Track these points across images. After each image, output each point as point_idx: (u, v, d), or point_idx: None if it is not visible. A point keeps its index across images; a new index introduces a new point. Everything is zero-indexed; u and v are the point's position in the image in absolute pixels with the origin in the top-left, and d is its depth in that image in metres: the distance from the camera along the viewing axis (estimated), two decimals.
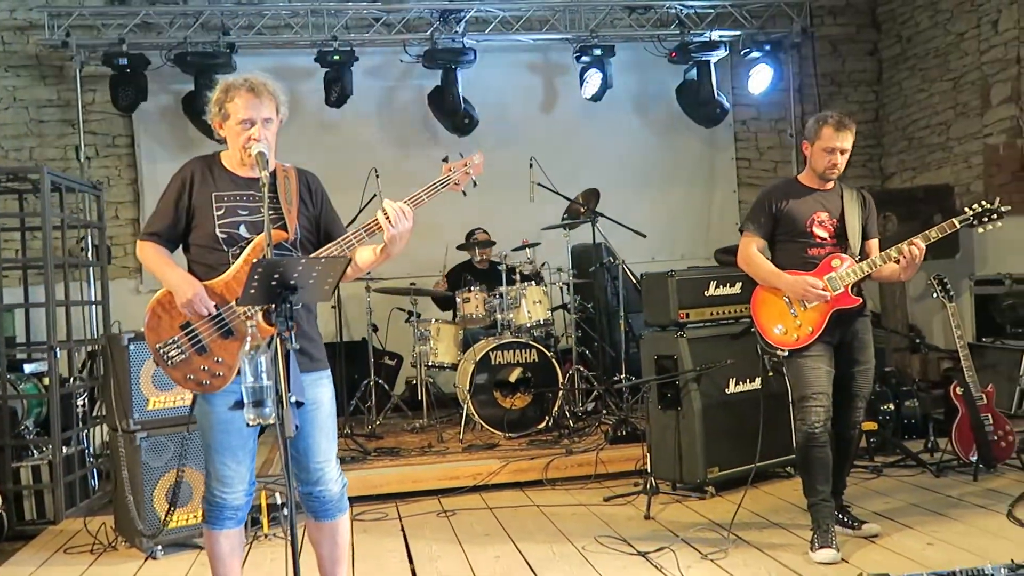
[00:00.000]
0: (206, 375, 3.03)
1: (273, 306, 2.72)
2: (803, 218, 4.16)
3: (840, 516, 4.24)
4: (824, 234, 4.14)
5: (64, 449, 5.36)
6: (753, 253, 4.24)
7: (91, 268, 7.38)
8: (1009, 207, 4.03)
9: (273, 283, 2.69)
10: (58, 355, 5.48)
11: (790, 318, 4.11)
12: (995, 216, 4.03)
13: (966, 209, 4.09)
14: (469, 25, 8.25)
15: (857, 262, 4.10)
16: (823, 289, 4.03)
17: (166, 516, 4.42)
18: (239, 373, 2.97)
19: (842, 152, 4.13)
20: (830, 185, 4.22)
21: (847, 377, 4.18)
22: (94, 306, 6.96)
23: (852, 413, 4.22)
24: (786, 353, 4.10)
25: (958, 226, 4.03)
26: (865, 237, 4.23)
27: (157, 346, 3.05)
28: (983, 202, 4.05)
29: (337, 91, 7.87)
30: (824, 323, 4.05)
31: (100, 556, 4.58)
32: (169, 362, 3.03)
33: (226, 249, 3.09)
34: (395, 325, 7.56)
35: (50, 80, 8.08)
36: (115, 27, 7.85)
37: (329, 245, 3.12)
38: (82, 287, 7.27)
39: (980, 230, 4.07)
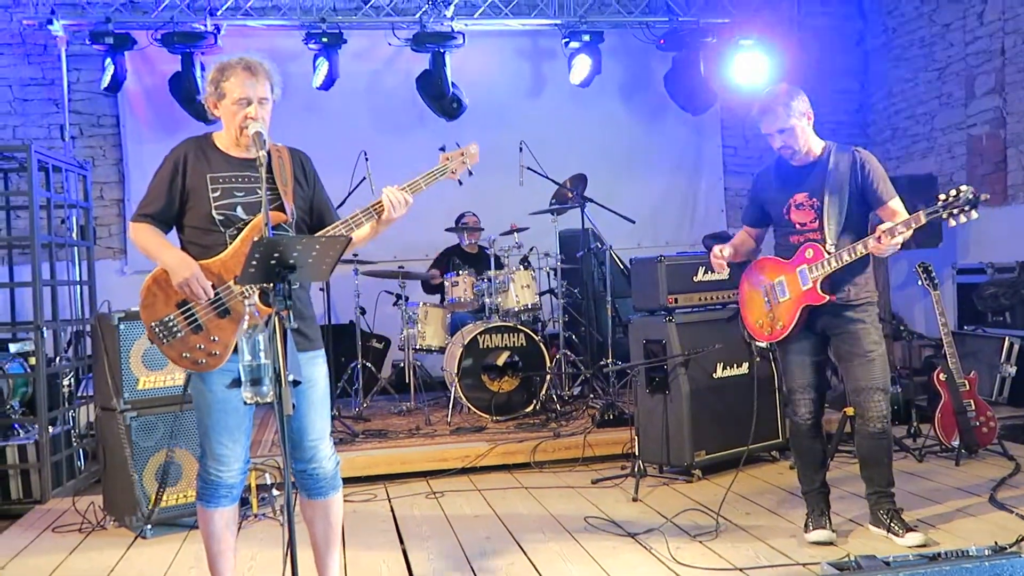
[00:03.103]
0: (202, 354, 3.02)
1: (272, 285, 2.73)
2: (780, 204, 3.92)
3: (882, 516, 3.90)
4: (804, 219, 3.84)
5: (50, 429, 5.34)
6: (736, 240, 4.17)
7: (76, 248, 7.32)
8: (988, 196, 3.53)
9: (273, 262, 2.68)
10: (45, 335, 5.45)
11: (765, 312, 3.97)
12: (967, 207, 3.45)
13: (939, 197, 3.56)
14: (458, 9, 8.23)
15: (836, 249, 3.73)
16: (720, 265, 4.04)
17: (155, 496, 4.42)
18: (235, 352, 2.99)
19: (780, 131, 3.77)
20: (816, 154, 3.85)
21: (846, 372, 3.90)
22: (80, 286, 6.92)
23: (864, 409, 3.82)
24: (763, 344, 4.01)
25: (924, 220, 3.53)
26: (877, 204, 3.78)
27: (152, 324, 3.04)
28: (963, 187, 3.49)
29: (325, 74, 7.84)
30: (795, 318, 3.84)
31: (89, 535, 4.57)
32: (164, 340, 3.02)
33: (223, 230, 3.08)
34: (383, 308, 7.56)
35: (34, 59, 8.00)
36: (100, 5, 7.77)
37: (335, 224, 3.13)
38: (68, 267, 7.22)
39: (952, 223, 3.51)
